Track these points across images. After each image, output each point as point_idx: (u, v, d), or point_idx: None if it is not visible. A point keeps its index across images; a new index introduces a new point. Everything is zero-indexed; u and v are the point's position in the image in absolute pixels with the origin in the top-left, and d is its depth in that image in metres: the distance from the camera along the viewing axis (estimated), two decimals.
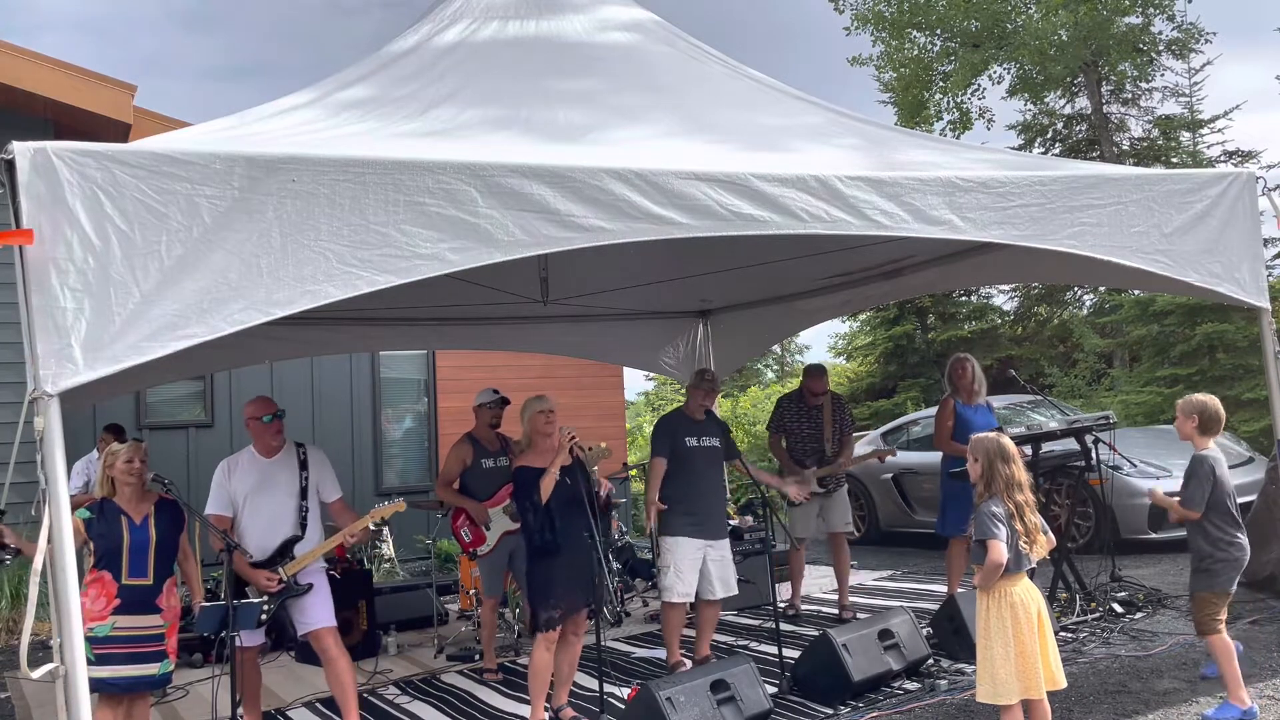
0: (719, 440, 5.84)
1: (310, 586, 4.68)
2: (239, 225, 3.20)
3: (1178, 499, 4.70)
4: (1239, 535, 4.59)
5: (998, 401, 9.55)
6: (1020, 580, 3.79)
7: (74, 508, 3.59)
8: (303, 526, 4.76)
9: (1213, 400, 4.65)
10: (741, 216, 3.99)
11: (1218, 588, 4.54)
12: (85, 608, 3.98)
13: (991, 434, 4.02)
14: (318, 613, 4.69)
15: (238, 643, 4.46)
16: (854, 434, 7.46)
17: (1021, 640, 3.71)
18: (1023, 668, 3.70)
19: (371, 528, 4.76)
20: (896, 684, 5.17)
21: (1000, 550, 3.70)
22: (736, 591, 5.85)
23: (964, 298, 18.58)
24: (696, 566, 5.62)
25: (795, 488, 6.42)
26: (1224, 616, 4.54)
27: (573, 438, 4.80)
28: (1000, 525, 3.74)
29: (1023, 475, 3.84)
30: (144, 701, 4.41)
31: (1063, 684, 3.80)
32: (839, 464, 6.90)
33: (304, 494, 4.79)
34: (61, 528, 2.91)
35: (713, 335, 8.91)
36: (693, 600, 5.69)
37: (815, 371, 7.17)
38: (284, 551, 4.71)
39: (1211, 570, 4.56)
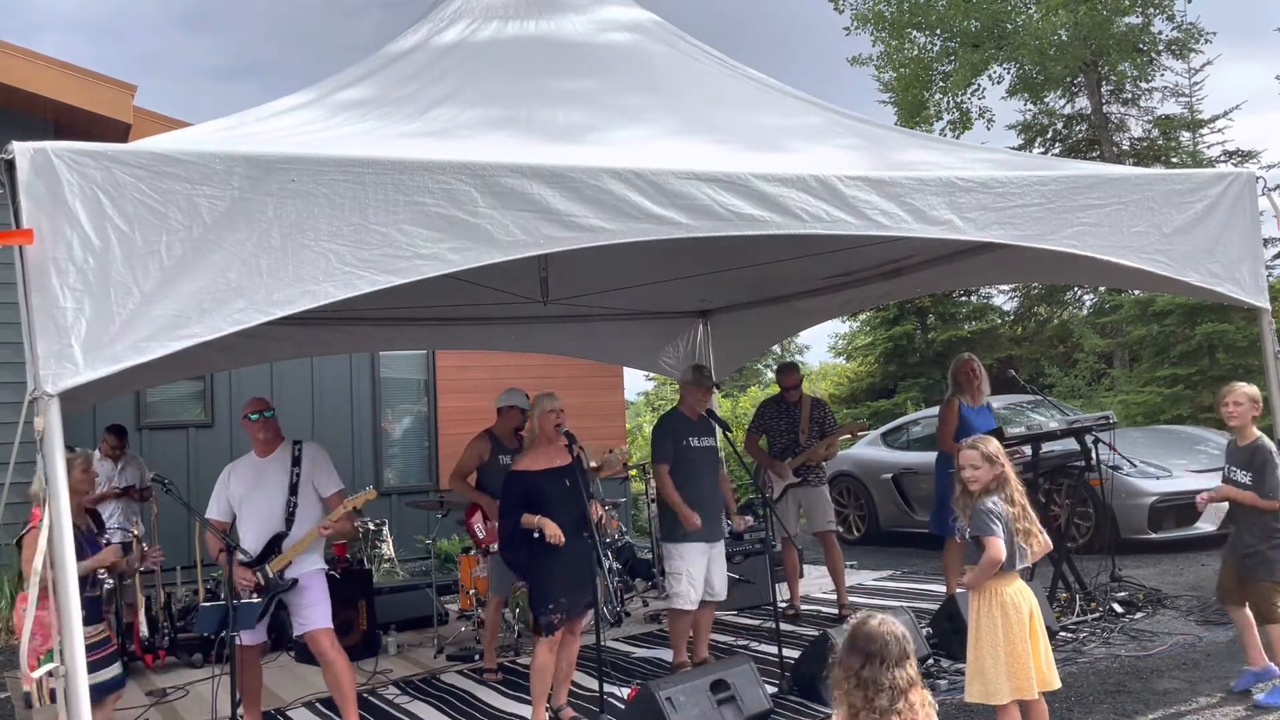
0: (716, 440, 5.84)
1: (294, 583, 4.67)
2: (239, 225, 3.20)
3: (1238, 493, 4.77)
4: None
5: (998, 402, 9.57)
6: (1013, 580, 3.79)
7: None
8: (289, 522, 4.74)
9: None
10: (741, 216, 3.98)
11: (1278, 575, 4.61)
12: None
13: (987, 436, 4.06)
14: (314, 614, 4.69)
15: (238, 642, 4.48)
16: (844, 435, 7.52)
17: (1012, 641, 3.69)
18: (1013, 668, 3.68)
19: (345, 512, 4.73)
20: None
21: (999, 547, 3.70)
22: (726, 594, 5.87)
23: (964, 298, 18.57)
24: (704, 571, 5.62)
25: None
26: None
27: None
28: (998, 522, 3.74)
29: (1014, 476, 3.87)
30: (108, 707, 4.44)
31: (1056, 684, 3.78)
32: (810, 451, 7.00)
33: (294, 489, 4.78)
34: (61, 528, 2.91)
35: (713, 335, 8.91)
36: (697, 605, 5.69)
37: (786, 368, 7.42)
38: (271, 548, 4.72)
39: (1271, 560, 4.62)
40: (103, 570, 4.41)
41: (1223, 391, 4.85)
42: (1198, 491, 5.15)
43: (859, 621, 2.58)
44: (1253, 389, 4.80)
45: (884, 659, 2.37)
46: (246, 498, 4.78)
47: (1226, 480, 4.84)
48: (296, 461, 4.82)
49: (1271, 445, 4.71)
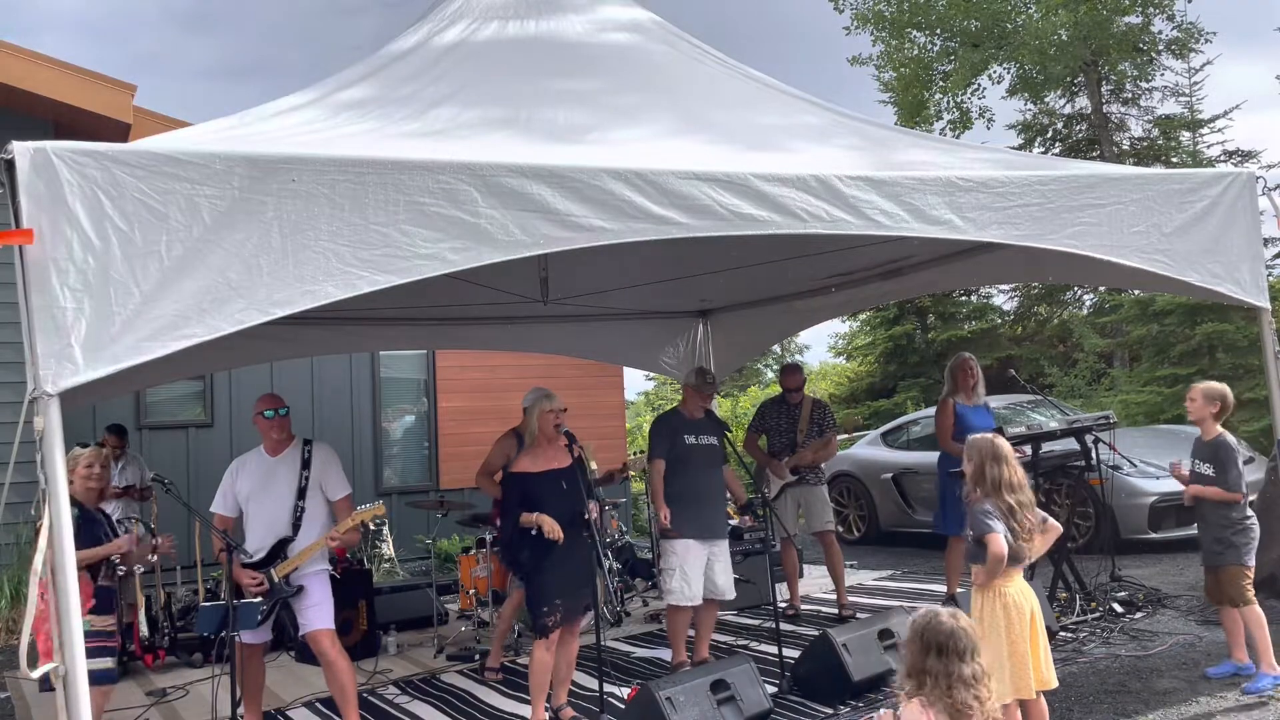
0: (717, 439, 5.84)
1: (300, 589, 4.64)
2: (239, 225, 3.20)
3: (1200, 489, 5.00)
4: (1250, 510, 4.96)
5: (998, 401, 9.57)
6: (1014, 579, 3.79)
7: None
8: (296, 527, 4.71)
9: (1229, 390, 5.00)
10: (741, 216, 3.98)
11: (1245, 560, 4.85)
12: None
13: (987, 435, 4.04)
14: (316, 615, 4.67)
15: (239, 640, 4.48)
16: (844, 436, 7.54)
17: (1014, 640, 3.70)
18: (1015, 668, 3.68)
19: (353, 525, 4.72)
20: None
21: (1000, 542, 3.70)
22: (735, 594, 5.85)
23: (964, 298, 18.58)
24: (702, 569, 5.60)
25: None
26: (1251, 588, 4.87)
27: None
28: (995, 519, 3.74)
29: (1016, 475, 3.86)
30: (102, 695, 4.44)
31: (1054, 684, 3.79)
32: (807, 450, 7.04)
33: (302, 493, 4.74)
34: (61, 527, 2.91)
35: (713, 335, 8.91)
36: (698, 603, 5.68)
37: (789, 369, 7.46)
38: (276, 552, 4.69)
39: (1236, 545, 4.87)
40: (117, 557, 4.41)
41: (1188, 390, 5.13)
42: None
43: (927, 618, 2.48)
44: (1209, 387, 4.98)
45: (966, 652, 2.31)
46: (254, 497, 4.75)
47: (1192, 473, 5.11)
48: (306, 464, 4.77)
49: (1234, 442, 4.96)
